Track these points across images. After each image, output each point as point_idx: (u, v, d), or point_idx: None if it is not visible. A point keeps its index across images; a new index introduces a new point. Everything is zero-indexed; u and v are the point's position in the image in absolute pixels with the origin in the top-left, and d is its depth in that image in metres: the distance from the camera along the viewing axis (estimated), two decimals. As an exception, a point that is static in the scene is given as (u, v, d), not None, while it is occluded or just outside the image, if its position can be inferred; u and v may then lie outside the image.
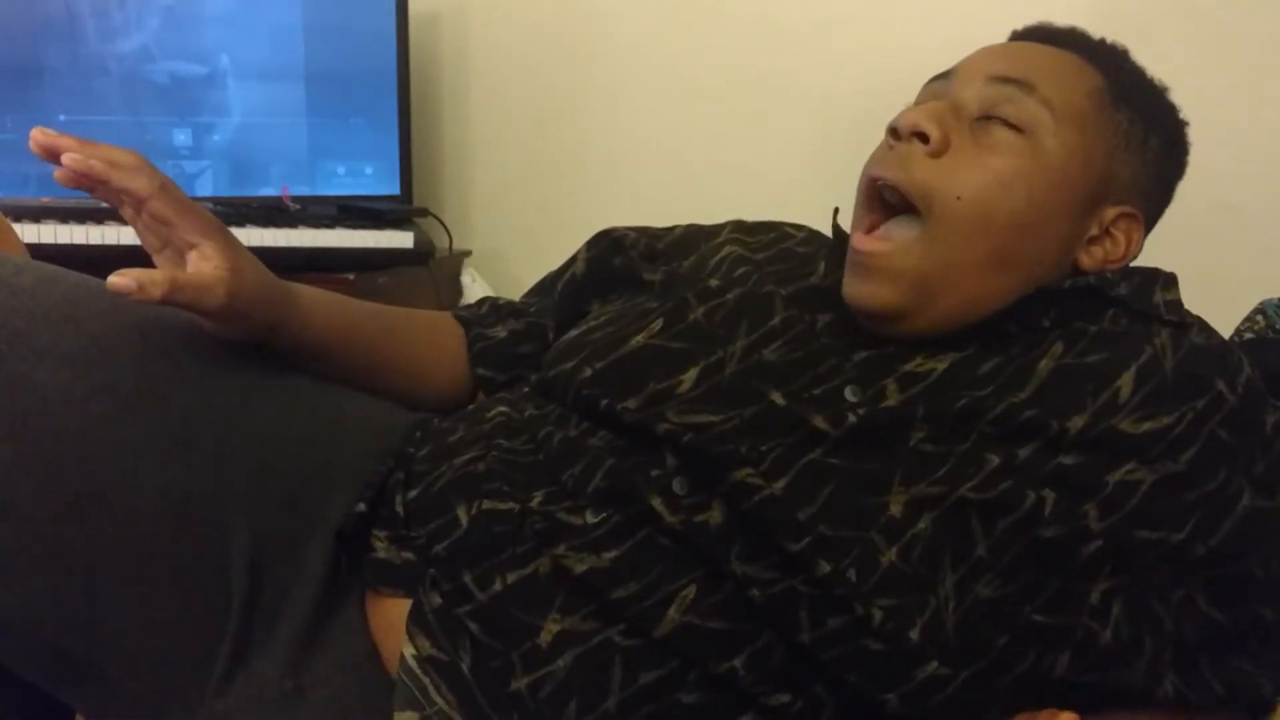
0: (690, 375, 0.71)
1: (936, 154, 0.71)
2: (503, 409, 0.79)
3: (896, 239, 0.71)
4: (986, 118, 0.72)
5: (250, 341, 0.75)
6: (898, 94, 0.82)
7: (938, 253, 0.70)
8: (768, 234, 0.87)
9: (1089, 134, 0.72)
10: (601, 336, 0.77)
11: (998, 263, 0.71)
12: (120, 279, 0.64)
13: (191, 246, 0.70)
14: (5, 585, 0.62)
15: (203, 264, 0.70)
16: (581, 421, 0.73)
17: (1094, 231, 0.74)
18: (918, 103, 0.77)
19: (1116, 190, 0.74)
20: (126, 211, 0.71)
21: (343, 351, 0.82)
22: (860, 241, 0.72)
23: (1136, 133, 0.74)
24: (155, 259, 0.73)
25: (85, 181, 0.68)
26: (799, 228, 0.89)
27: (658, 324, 0.75)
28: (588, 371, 0.74)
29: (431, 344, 0.90)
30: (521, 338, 0.91)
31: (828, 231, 0.86)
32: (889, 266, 0.70)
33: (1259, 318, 1.04)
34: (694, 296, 0.76)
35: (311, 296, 0.79)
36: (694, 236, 0.89)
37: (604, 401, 0.71)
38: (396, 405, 0.87)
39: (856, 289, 0.72)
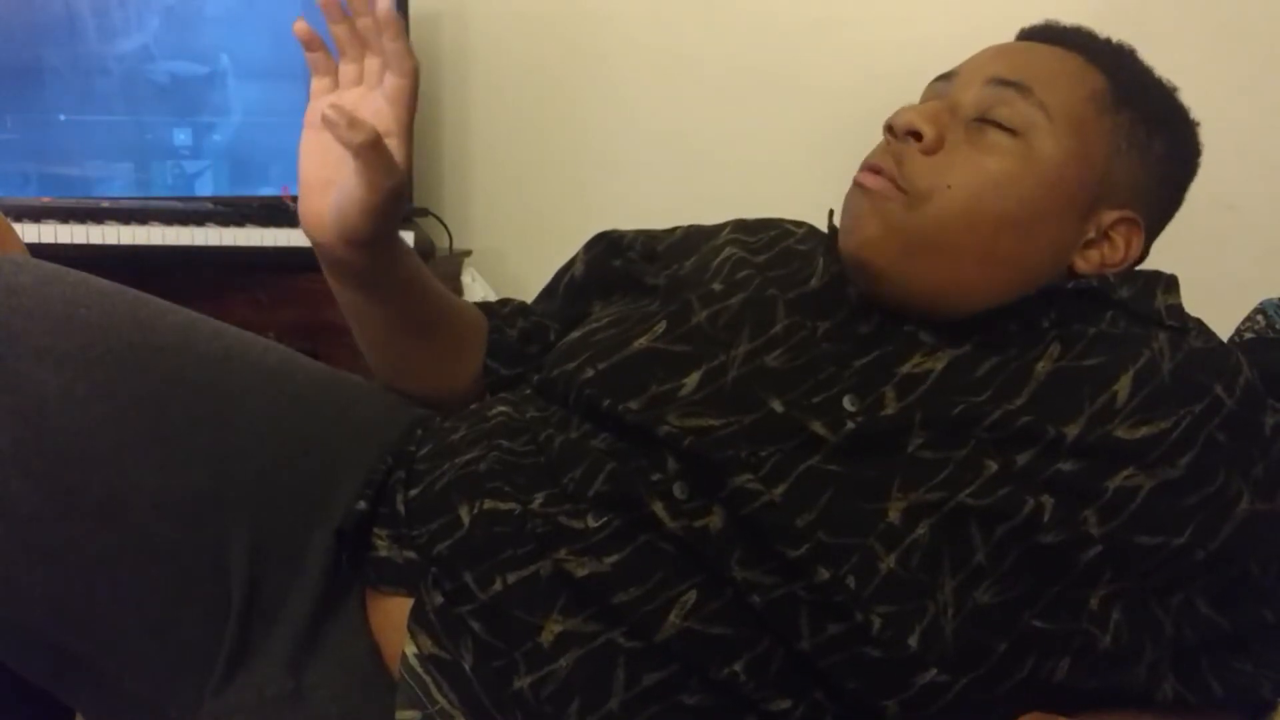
0: (693, 379, 0.71)
1: (930, 152, 0.71)
2: (504, 409, 0.79)
3: (892, 188, 0.72)
4: (982, 120, 0.72)
5: (349, 261, 0.75)
6: (901, 91, 0.82)
7: (928, 225, 0.71)
8: (768, 232, 0.87)
9: (1086, 137, 0.72)
10: (604, 338, 0.77)
11: (986, 257, 0.71)
12: (334, 112, 0.66)
13: (389, 134, 0.71)
14: (4, 585, 0.62)
15: (390, 148, 0.71)
16: (583, 424, 0.73)
17: (1090, 235, 0.74)
18: (920, 103, 0.77)
19: (1116, 194, 0.74)
20: (351, 68, 0.74)
21: (413, 303, 0.82)
22: (861, 176, 0.73)
23: (1139, 136, 0.74)
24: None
25: (360, 38, 0.72)
26: (799, 224, 0.89)
27: (660, 326, 0.75)
28: (590, 372, 0.74)
29: (472, 324, 0.90)
30: (529, 338, 0.91)
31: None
32: (880, 206, 0.72)
33: (1259, 318, 1.03)
34: (697, 300, 0.76)
35: (402, 243, 0.80)
36: (694, 238, 0.89)
37: (605, 402, 0.71)
38: (399, 403, 0.87)
39: (850, 226, 0.74)
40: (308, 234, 0.76)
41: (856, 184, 0.74)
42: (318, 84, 0.74)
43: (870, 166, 0.73)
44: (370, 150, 0.67)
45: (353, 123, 0.65)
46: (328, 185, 0.73)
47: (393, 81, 0.71)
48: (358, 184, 0.69)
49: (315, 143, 0.74)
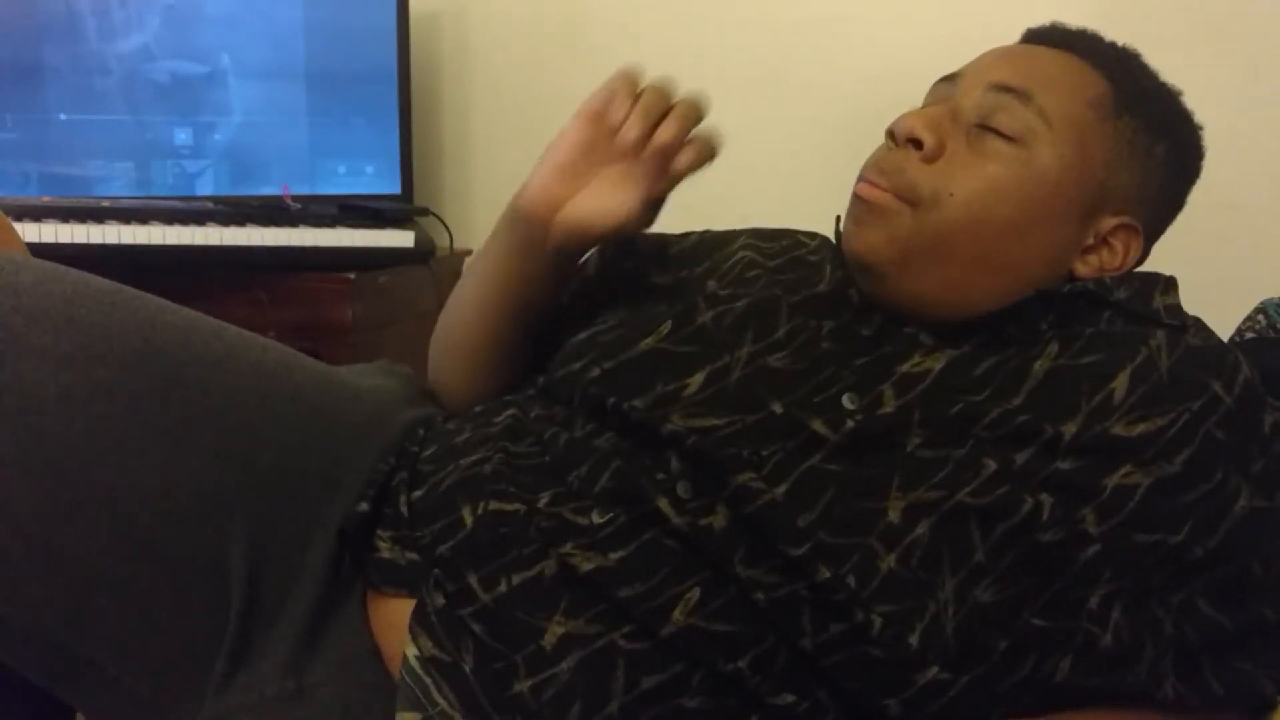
0: (697, 379, 0.71)
1: (930, 160, 0.72)
2: (511, 411, 0.79)
3: (896, 201, 0.72)
4: (982, 126, 0.72)
5: (549, 242, 0.79)
6: (903, 92, 0.82)
7: (929, 231, 0.72)
8: (781, 241, 0.88)
9: (1087, 144, 0.72)
10: (610, 338, 0.77)
11: (985, 263, 0.72)
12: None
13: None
14: (5, 585, 0.62)
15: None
16: (587, 423, 0.73)
17: (1090, 241, 0.74)
18: (924, 104, 0.78)
19: (1116, 200, 0.74)
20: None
21: (551, 294, 0.86)
22: (864, 189, 0.74)
23: (1141, 141, 0.74)
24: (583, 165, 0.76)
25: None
26: (812, 236, 0.90)
27: (666, 327, 0.75)
28: (596, 371, 0.74)
29: None
30: None
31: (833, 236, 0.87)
32: (884, 217, 0.72)
33: (1259, 318, 1.03)
34: (703, 301, 0.77)
35: None
36: (708, 244, 0.90)
37: (611, 400, 0.71)
38: (399, 402, 0.87)
39: (854, 231, 0.75)
40: (527, 207, 0.78)
41: (857, 195, 0.75)
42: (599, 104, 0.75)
43: (869, 179, 0.74)
44: (667, 177, 0.73)
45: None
46: (578, 177, 0.76)
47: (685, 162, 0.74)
48: (624, 197, 0.74)
49: (586, 134, 0.76)
